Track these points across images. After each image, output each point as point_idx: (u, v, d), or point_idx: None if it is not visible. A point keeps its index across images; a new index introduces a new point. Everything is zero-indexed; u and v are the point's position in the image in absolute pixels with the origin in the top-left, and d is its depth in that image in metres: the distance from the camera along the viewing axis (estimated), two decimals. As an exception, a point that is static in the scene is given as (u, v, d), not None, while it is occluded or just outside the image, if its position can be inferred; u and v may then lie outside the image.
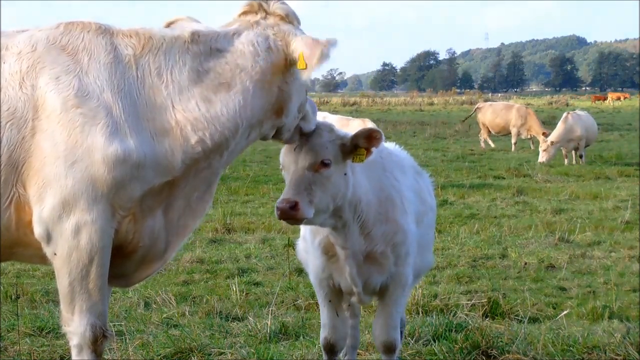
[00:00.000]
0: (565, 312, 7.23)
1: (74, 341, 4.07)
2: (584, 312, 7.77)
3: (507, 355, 5.94)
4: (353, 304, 5.45)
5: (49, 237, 3.93)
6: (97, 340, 4.04)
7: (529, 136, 27.42)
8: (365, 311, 7.19)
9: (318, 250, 5.01)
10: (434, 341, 6.25)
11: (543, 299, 8.38)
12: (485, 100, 36.32)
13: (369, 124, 16.41)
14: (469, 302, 7.60)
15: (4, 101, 3.93)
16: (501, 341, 6.07)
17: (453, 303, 7.67)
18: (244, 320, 7.01)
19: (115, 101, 3.95)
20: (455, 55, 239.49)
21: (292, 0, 4.35)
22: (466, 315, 7.00)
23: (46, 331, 6.50)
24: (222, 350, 6.04)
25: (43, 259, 4.05)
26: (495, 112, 28.16)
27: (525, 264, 9.90)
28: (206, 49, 4.15)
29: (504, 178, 18.99)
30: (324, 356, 5.25)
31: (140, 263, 4.23)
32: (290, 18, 4.24)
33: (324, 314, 5.18)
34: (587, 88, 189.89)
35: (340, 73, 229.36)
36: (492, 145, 27.99)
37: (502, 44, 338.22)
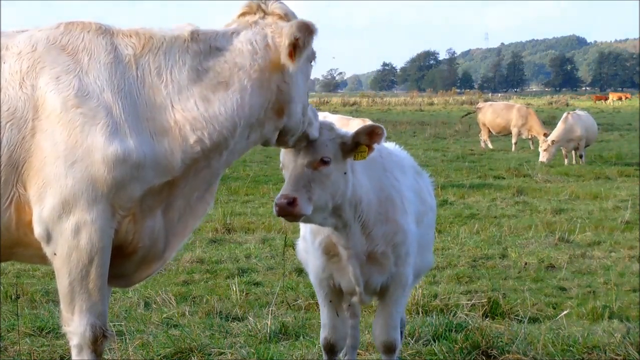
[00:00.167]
0: (565, 312, 7.23)
1: (74, 341, 4.07)
2: (584, 312, 7.77)
3: (507, 355, 5.94)
4: (353, 304, 5.46)
5: (48, 237, 3.93)
6: (97, 340, 4.04)
7: (529, 136, 27.42)
8: (365, 311, 7.19)
9: (318, 250, 5.01)
10: (434, 341, 6.25)
11: (543, 299, 8.38)
12: (485, 100, 36.33)
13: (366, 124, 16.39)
14: (469, 302, 7.60)
15: (4, 101, 3.93)
16: (501, 341, 6.07)
17: (453, 303, 7.67)
18: (244, 320, 7.01)
19: (115, 101, 3.95)
20: (455, 55, 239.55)
21: (292, 0, 4.36)
22: (466, 315, 7.01)
23: (46, 331, 6.50)
24: (222, 350, 6.04)
25: (43, 259, 4.05)
26: (496, 112, 28.16)
27: (525, 264, 9.90)
28: (206, 47, 4.15)
29: (504, 178, 19.00)
30: (324, 356, 5.26)
31: (140, 263, 4.23)
32: (289, 17, 4.25)
33: (324, 314, 5.18)
34: (587, 88, 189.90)
35: (340, 73, 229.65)
36: (491, 146, 27.98)
37: (502, 44, 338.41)
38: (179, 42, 4.14)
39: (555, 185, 17.93)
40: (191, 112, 4.05)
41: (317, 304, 5.94)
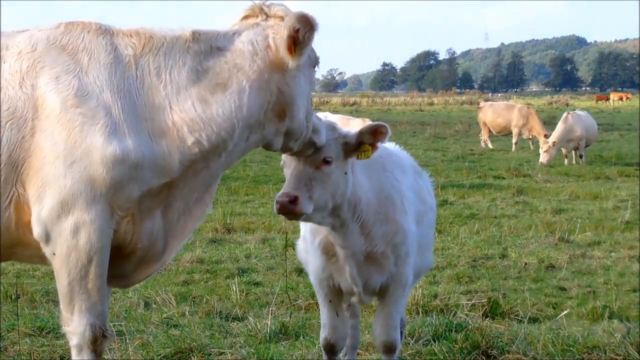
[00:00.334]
0: (565, 312, 7.23)
1: (73, 341, 4.07)
2: (584, 312, 7.77)
3: (507, 355, 5.94)
4: (353, 304, 5.45)
5: (47, 237, 3.93)
6: (97, 340, 4.04)
7: (530, 136, 27.41)
8: (365, 311, 7.19)
9: (318, 250, 5.01)
10: (434, 341, 6.25)
11: (543, 299, 8.38)
12: (486, 100, 36.30)
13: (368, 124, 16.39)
14: (469, 302, 7.60)
15: (4, 101, 3.93)
16: (501, 341, 6.07)
17: (453, 303, 7.67)
18: (244, 320, 7.01)
19: (115, 101, 3.95)
20: (455, 55, 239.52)
21: (293, 1, 4.36)
22: (466, 315, 7.01)
23: (46, 331, 6.50)
24: (222, 350, 6.04)
25: (43, 259, 4.05)
26: (497, 112, 28.16)
27: (525, 264, 9.90)
28: (207, 47, 4.15)
29: (504, 178, 19.00)
30: (324, 356, 5.25)
31: (139, 264, 4.22)
32: None
33: (324, 314, 5.18)
34: (587, 88, 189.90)
35: (340, 73, 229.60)
36: (491, 146, 27.99)
37: (502, 44, 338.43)
38: (179, 43, 4.13)
39: (555, 185, 17.94)
40: (189, 113, 4.04)
41: (317, 304, 5.94)
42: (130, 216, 4.00)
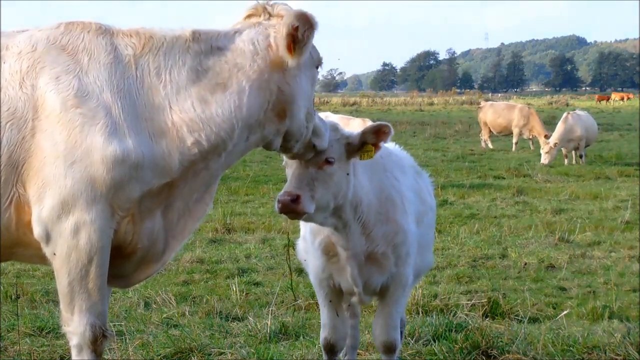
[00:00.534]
0: (565, 312, 7.23)
1: (73, 341, 4.07)
2: (584, 312, 7.77)
3: (507, 355, 5.94)
4: (353, 304, 5.45)
5: (48, 237, 3.93)
6: (97, 340, 4.04)
7: (530, 136, 27.41)
8: (365, 311, 7.19)
9: (318, 250, 5.01)
10: (434, 341, 6.25)
11: (543, 299, 8.39)
12: (486, 100, 36.30)
13: (369, 124, 16.40)
14: (469, 302, 7.60)
15: (4, 101, 3.93)
16: (501, 341, 6.07)
17: (453, 303, 7.67)
18: (244, 320, 7.01)
19: (115, 101, 3.95)
20: (455, 55, 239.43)
21: (293, 1, 4.34)
22: (466, 315, 7.01)
23: (46, 331, 6.50)
24: (222, 350, 6.04)
25: (43, 259, 4.05)
26: (497, 112, 28.16)
27: (525, 264, 9.90)
28: (207, 47, 4.14)
29: (504, 178, 19.01)
30: (324, 356, 5.25)
31: (139, 264, 4.22)
32: None
33: (324, 314, 5.18)
34: (587, 88, 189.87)
35: (340, 73, 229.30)
36: (491, 146, 27.99)
37: (502, 44, 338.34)
38: (180, 42, 4.13)
39: (555, 185, 17.94)
40: (188, 113, 4.04)
41: (317, 304, 5.94)
42: (130, 216, 4.00)
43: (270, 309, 7.08)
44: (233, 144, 4.12)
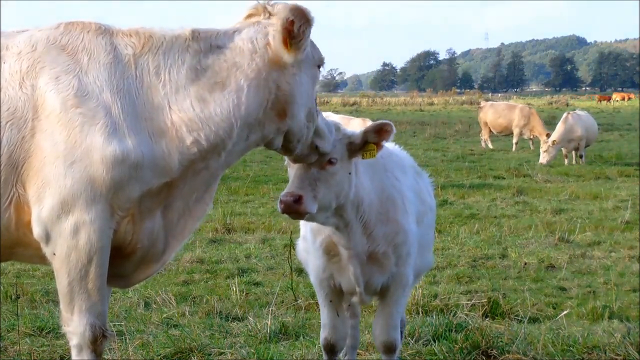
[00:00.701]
0: (565, 312, 7.23)
1: (73, 341, 4.06)
2: (584, 312, 7.77)
3: (507, 355, 5.94)
4: (353, 304, 5.46)
5: (47, 237, 3.93)
6: (97, 340, 4.03)
7: (531, 136, 27.40)
8: (365, 311, 7.19)
9: (319, 250, 5.01)
10: (434, 341, 6.25)
11: (543, 299, 8.38)
12: (486, 100, 36.30)
13: (369, 123, 16.40)
14: (469, 302, 7.60)
15: (4, 101, 3.92)
16: (501, 341, 6.07)
17: (453, 303, 7.67)
18: (244, 320, 7.01)
19: (115, 101, 3.94)
20: (455, 55, 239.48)
21: (293, 1, 4.34)
22: (466, 315, 7.00)
23: (46, 331, 6.50)
24: (222, 350, 6.04)
25: (43, 259, 4.05)
26: (498, 112, 28.16)
27: (525, 264, 9.90)
28: (206, 46, 4.13)
29: (504, 178, 19.01)
30: (324, 356, 5.25)
31: (139, 264, 4.22)
32: None
33: (324, 314, 5.18)
34: (587, 88, 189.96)
35: (340, 73, 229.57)
36: (491, 146, 27.99)
37: (502, 44, 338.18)
38: (179, 41, 4.12)
39: (555, 185, 17.94)
40: (187, 112, 4.03)
41: (317, 304, 5.94)
42: (130, 216, 4.00)
43: (270, 309, 7.08)
44: (232, 143, 4.11)
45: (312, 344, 6.22)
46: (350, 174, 4.72)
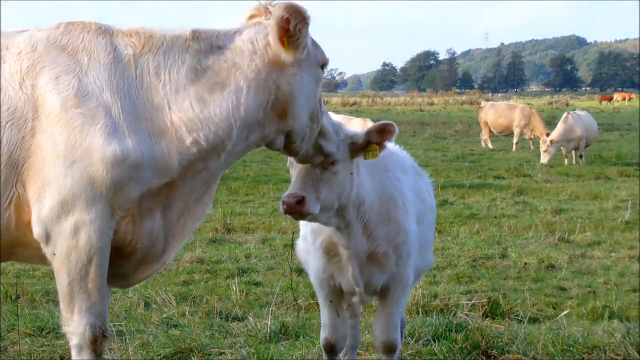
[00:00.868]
0: (565, 312, 7.23)
1: (73, 341, 4.06)
2: (584, 312, 7.77)
3: (507, 355, 5.94)
4: (353, 304, 5.46)
5: (47, 237, 3.93)
6: (97, 340, 4.03)
7: (532, 136, 27.40)
8: (365, 311, 7.19)
9: (319, 250, 5.01)
10: (434, 341, 6.25)
11: (543, 299, 8.39)
12: (486, 100, 36.33)
13: (370, 124, 16.41)
14: (469, 302, 7.60)
15: (4, 101, 3.92)
16: (501, 341, 6.07)
17: (453, 303, 7.67)
18: (244, 320, 7.01)
19: (115, 101, 3.94)
20: (455, 55, 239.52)
21: (292, 1, 4.32)
22: (466, 315, 7.00)
23: (46, 331, 6.50)
24: (222, 350, 6.04)
25: (43, 259, 4.05)
26: (498, 112, 28.15)
27: (525, 264, 9.90)
28: (207, 46, 4.13)
29: (504, 178, 19.01)
30: (324, 356, 5.25)
31: (139, 264, 4.22)
32: None
33: (324, 314, 5.18)
34: (587, 88, 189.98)
35: (340, 73, 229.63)
36: (491, 146, 27.99)
37: (502, 44, 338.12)
38: (179, 42, 4.12)
39: (555, 185, 17.94)
40: (187, 113, 4.03)
41: (317, 304, 5.94)
42: (130, 216, 4.00)
43: (270, 309, 7.08)
44: (232, 143, 4.11)
45: (312, 344, 6.22)
46: (351, 174, 4.72)
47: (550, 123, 30.58)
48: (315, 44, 4.24)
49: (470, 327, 6.35)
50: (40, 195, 3.89)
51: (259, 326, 6.58)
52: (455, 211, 14.01)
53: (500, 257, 10.38)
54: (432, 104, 75.06)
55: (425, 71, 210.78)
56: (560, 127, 23.13)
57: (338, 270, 5.00)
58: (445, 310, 7.36)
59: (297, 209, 4.46)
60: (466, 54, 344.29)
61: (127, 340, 6.17)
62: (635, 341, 6.05)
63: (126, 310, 7.35)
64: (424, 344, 6.29)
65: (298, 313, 7.41)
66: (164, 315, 7.11)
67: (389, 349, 5.13)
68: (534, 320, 7.38)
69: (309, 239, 5.15)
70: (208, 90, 4.06)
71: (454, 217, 13.36)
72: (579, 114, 23.95)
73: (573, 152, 23.44)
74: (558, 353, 6.02)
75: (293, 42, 4.04)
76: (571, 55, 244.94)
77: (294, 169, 4.65)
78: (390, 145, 5.39)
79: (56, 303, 5.29)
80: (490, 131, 28.37)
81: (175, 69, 4.06)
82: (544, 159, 22.66)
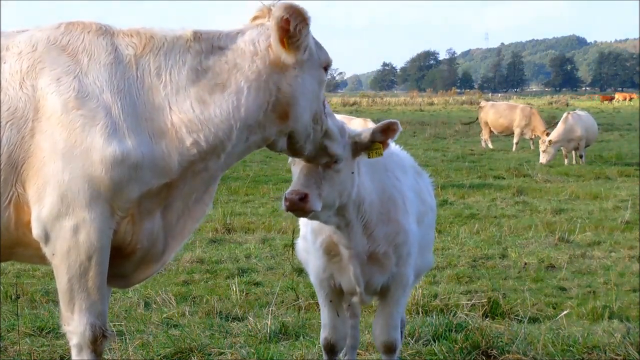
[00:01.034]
0: (565, 312, 7.23)
1: (73, 341, 4.06)
2: (584, 312, 7.77)
3: (507, 355, 5.94)
4: (353, 304, 5.46)
5: (47, 237, 3.93)
6: (97, 340, 4.03)
7: (532, 136, 27.38)
8: (365, 311, 7.19)
9: (320, 250, 5.01)
10: (434, 341, 6.25)
11: (543, 299, 8.39)
12: (486, 100, 36.32)
13: (370, 124, 16.41)
14: (469, 302, 7.60)
15: (4, 101, 3.92)
16: (501, 341, 6.07)
17: (453, 303, 7.67)
18: (244, 320, 7.01)
19: (115, 102, 3.94)
20: (455, 55, 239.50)
21: (295, 1, 4.32)
22: (466, 315, 7.00)
23: (46, 331, 6.50)
24: (222, 350, 6.04)
25: (43, 259, 4.05)
26: (499, 112, 28.14)
27: (525, 264, 9.90)
28: (208, 47, 4.12)
29: (504, 178, 19.00)
30: (324, 356, 5.25)
31: (139, 264, 4.22)
32: None
33: (324, 314, 5.18)
34: (587, 88, 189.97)
35: (340, 73, 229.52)
36: (491, 146, 27.98)
37: (502, 44, 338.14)
38: (180, 42, 4.11)
39: (555, 185, 17.94)
40: (187, 114, 4.03)
41: (317, 304, 5.94)
42: (130, 217, 3.99)
43: (270, 309, 7.08)
44: (232, 144, 4.10)
45: (312, 344, 6.22)
46: (353, 173, 4.72)
47: (551, 123, 30.58)
48: (318, 45, 4.23)
49: (470, 327, 6.35)
50: (40, 195, 3.89)
51: (259, 326, 6.58)
52: (455, 211, 14.01)
53: (500, 257, 10.38)
54: (432, 104, 75.05)
55: (425, 71, 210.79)
56: (560, 127, 23.12)
57: (338, 270, 5.00)
58: (445, 310, 7.36)
59: (299, 206, 4.45)
60: (466, 54, 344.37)
61: (127, 340, 6.17)
62: (635, 341, 6.05)
63: (126, 310, 7.35)
64: (424, 344, 6.29)
65: (298, 313, 7.41)
66: (164, 315, 7.11)
67: (389, 349, 5.13)
68: (534, 320, 7.38)
69: (309, 239, 5.15)
70: (209, 91, 4.06)
71: (454, 217, 13.36)
72: (579, 114, 23.95)
73: (573, 152, 23.43)
74: (558, 353, 6.02)
75: (293, 43, 4.03)
76: (571, 55, 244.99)
77: (296, 166, 4.64)
78: (391, 145, 5.39)
79: (56, 303, 5.29)
80: (491, 131, 28.36)
81: (176, 70, 4.06)
82: (543, 159, 22.65)
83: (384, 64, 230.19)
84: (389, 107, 65.99)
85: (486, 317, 7.16)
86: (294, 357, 6.04)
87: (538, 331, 6.53)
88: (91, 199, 3.87)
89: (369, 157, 4.77)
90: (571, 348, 6.08)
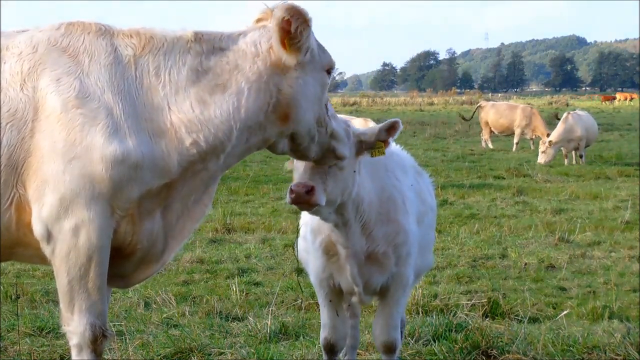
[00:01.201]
0: (565, 312, 7.23)
1: (73, 341, 4.06)
2: (584, 312, 7.77)
3: (507, 355, 5.94)
4: (353, 304, 5.46)
5: (48, 237, 3.93)
6: (97, 340, 4.03)
7: (533, 136, 27.37)
8: (365, 311, 7.20)
9: (319, 250, 5.01)
10: (434, 341, 6.25)
11: (543, 299, 8.39)
12: (486, 100, 36.31)
13: (370, 124, 16.41)
14: (469, 302, 7.60)
15: (4, 102, 3.92)
16: (501, 341, 6.07)
17: (453, 303, 7.68)
18: (244, 320, 7.01)
19: (116, 102, 3.94)
20: (455, 55, 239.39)
21: (296, 1, 4.32)
22: (466, 315, 7.01)
23: (46, 331, 6.50)
24: (222, 350, 6.04)
25: (43, 259, 4.05)
26: (499, 112, 28.11)
27: (525, 264, 9.90)
28: (209, 47, 4.12)
29: (504, 178, 19.00)
30: (324, 356, 5.26)
31: (139, 264, 4.22)
32: None
33: (324, 314, 5.18)
34: (587, 88, 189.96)
35: (340, 73, 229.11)
36: (491, 146, 27.98)
37: (502, 44, 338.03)
38: (181, 43, 4.11)
39: (555, 185, 17.94)
40: (187, 114, 4.03)
41: (317, 304, 5.94)
42: (129, 217, 4.00)
43: (270, 309, 7.08)
44: (232, 145, 4.10)
45: (312, 344, 6.22)
46: (355, 172, 4.72)
47: (551, 123, 30.58)
48: (321, 48, 4.22)
49: (470, 327, 6.35)
50: (40, 194, 3.89)
51: (259, 326, 6.58)
52: (455, 211, 14.01)
53: (500, 257, 10.38)
54: (432, 104, 75.04)
55: (425, 71, 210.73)
56: (560, 127, 23.12)
57: (337, 269, 5.00)
58: (445, 310, 7.36)
59: (305, 199, 4.43)
60: (466, 54, 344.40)
61: (127, 340, 6.17)
62: (635, 341, 6.05)
63: (126, 310, 7.35)
64: (424, 344, 6.29)
65: (298, 313, 7.42)
66: (164, 315, 7.11)
67: (389, 349, 5.13)
68: (534, 320, 7.38)
69: (308, 239, 5.15)
70: (209, 91, 4.06)
71: (454, 217, 13.36)
72: (579, 114, 23.94)
73: (573, 152, 23.43)
74: (558, 353, 6.02)
75: (295, 44, 4.03)
76: (571, 55, 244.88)
77: (299, 162, 4.63)
78: (391, 145, 5.39)
79: (56, 303, 5.29)
80: (491, 131, 28.35)
81: (175, 70, 4.06)
82: (541, 159, 22.64)
83: (384, 64, 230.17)
84: (389, 107, 65.97)
85: (486, 317, 7.16)
86: (294, 357, 6.04)
87: (538, 331, 6.53)
88: (91, 198, 3.87)
89: (372, 156, 4.78)
90: (571, 348, 6.08)
